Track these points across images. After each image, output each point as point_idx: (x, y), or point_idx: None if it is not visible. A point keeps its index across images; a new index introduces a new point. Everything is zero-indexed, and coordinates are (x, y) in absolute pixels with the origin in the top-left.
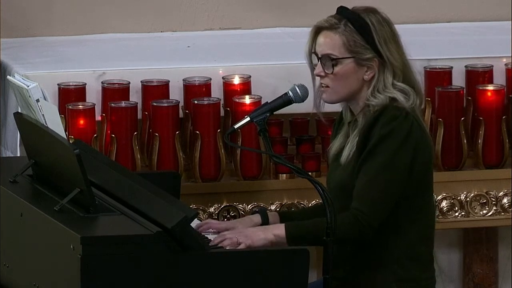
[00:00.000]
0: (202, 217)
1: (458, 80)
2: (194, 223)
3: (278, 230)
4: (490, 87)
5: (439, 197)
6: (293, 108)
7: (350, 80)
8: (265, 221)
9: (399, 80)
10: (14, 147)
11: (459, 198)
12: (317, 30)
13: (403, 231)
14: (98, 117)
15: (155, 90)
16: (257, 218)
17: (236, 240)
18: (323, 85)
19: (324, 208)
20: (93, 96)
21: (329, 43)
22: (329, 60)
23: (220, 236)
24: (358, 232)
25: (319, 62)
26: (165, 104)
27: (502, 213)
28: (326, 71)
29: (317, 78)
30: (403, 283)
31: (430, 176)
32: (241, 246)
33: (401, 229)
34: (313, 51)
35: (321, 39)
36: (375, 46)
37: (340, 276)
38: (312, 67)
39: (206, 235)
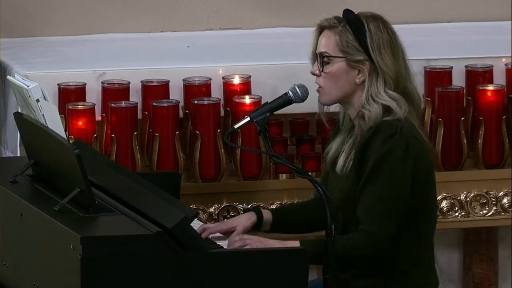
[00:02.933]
0: (202, 217)
1: (458, 80)
2: (194, 223)
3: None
4: (490, 87)
5: (439, 197)
6: (293, 108)
7: (341, 81)
8: (259, 219)
9: (390, 88)
10: (14, 147)
11: (459, 198)
12: (320, 30)
13: (406, 238)
14: (98, 117)
15: (155, 90)
16: (253, 216)
17: (255, 248)
18: (318, 85)
19: (324, 207)
20: (93, 96)
21: (325, 42)
22: (322, 58)
23: (241, 241)
24: (373, 252)
25: (316, 61)
26: (165, 104)
27: (502, 213)
28: (320, 70)
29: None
30: None
31: (432, 182)
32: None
33: (403, 236)
34: (316, 51)
35: (322, 39)
36: (367, 49)
37: (342, 280)
38: None
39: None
